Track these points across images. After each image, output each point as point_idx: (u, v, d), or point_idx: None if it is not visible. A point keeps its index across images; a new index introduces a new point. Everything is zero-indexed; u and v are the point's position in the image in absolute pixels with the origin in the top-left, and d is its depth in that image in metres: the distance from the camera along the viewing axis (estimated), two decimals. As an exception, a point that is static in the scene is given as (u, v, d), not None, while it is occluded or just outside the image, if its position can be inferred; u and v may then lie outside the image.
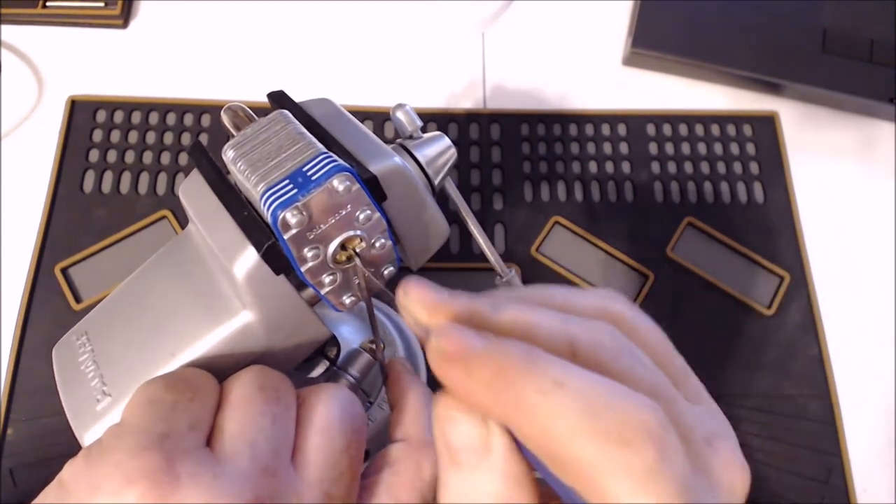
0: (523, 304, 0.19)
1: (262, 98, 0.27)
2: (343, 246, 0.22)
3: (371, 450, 0.24)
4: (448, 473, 0.17)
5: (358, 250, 0.23)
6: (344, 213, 0.22)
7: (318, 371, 0.29)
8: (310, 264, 0.22)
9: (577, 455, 0.15)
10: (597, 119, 0.49)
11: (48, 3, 0.51)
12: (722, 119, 0.50)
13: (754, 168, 0.48)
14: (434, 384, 0.26)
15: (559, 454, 0.15)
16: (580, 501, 0.16)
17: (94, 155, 0.47)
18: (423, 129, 0.29)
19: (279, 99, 0.26)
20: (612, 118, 0.49)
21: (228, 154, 0.23)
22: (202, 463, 0.18)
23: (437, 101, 0.50)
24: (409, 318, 0.19)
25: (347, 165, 0.21)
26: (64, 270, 0.43)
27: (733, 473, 0.17)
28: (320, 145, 0.22)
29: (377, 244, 0.23)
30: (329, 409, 0.21)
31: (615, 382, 0.16)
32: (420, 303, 0.19)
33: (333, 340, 0.29)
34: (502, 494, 0.17)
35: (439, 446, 0.18)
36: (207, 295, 0.24)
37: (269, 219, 0.21)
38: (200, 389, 0.21)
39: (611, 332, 0.18)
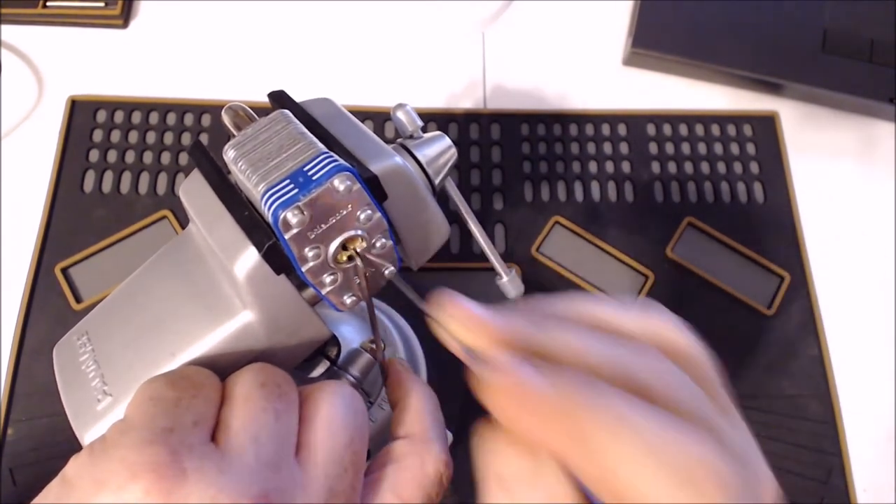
0: (570, 326, 0.18)
1: (262, 98, 0.27)
2: (344, 246, 0.22)
3: (372, 450, 0.24)
4: (498, 499, 0.17)
5: (359, 250, 0.23)
6: (345, 212, 0.21)
7: (318, 371, 0.29)
8: (310, 264, 0.22)
9: (642, 494, 0.15)
10: (597, 119, 0.49)
11: (48, 3, 0.51)
12: (722, 119, 0.50)
13: (754, 168, 0.48)
14: (435, 386, 0.26)
15: (623, 493, 0.15)
16: None
17: (94, 155, 0.47)
18: (424, 129, 0.29)
19: (280, 99, 0.26)
20: (612, 118, 0.49)
21: (229, 154, 0.23)
22: (207, 457, 0.18)
23: (438, 101, 0.50)
24: (444, 336, 0.19)
25: (348, 165, 0.21)
26: (64, 270, 0.43)
27: (769, 491, 0.17)
28: (321, 145, 0.22)
29: (378, 244, 0.23)
30: (332, 405, 0.21)
31: (676, 417, 0.16)
32: (459, 321, 0.18)
33: (334, 340, 0.29)
34: None
35: (487, 474, 0.17)
36: (208, 295, 0.24)
37: (269, 218, 0.21)
38: (203, 386, 0.21)
39: (665, 362, 0.17)
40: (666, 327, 0.19)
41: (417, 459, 0.22)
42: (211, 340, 0.23)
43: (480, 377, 0.17)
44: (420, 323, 0.21)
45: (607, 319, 0.19)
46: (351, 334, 0.34)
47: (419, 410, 0.24)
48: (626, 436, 0.15)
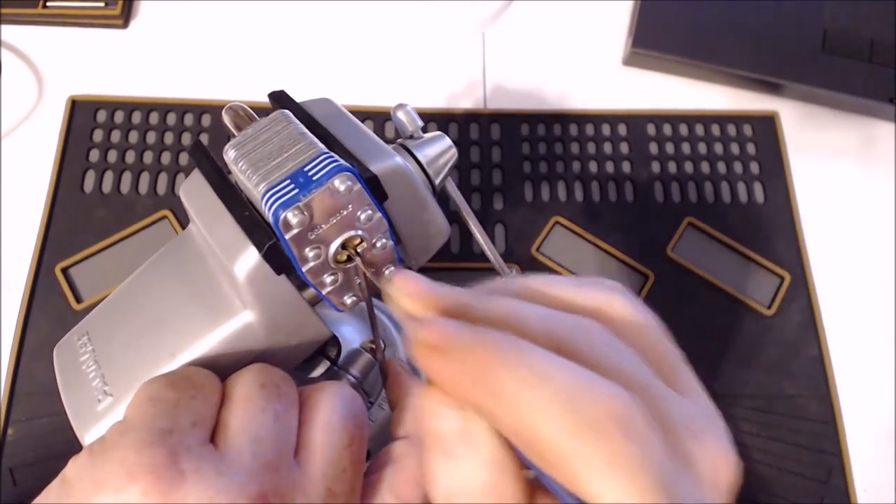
0: (511, 299, 0.19)
1: (262, 98, 0.27)
2: (344, 246, 0.22)
3: (372, 450, 0.24)
4: (435, 462, 0.18)
5: (359, 250, 0.23)
6: (345, 212, 0.22)
7: (318, 371, 0.29)
8: (311, 264, 0.22)
9: (554, 446, 0.15)
10: (597, 119, 0.49)
11: (48, 3, 0.51)
12: (722, 119, 0.50)
13: (754, 168, 0.48)
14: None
15: (538, 445, 0.16)
16: (566, 497, 0.16)
17: (94, 155, 0.47)
18: (424, 129, 0.29)
19: (280, 99, 0.26)
20: (612, 118, 0.49)
21: (229, 154, 0.23)
22: (206, 459, 0.18)
23: (438, 101, 0.50)
24: (397, 311, 0.19)
25: (348, 165, 0.21)
26: (64, 270, 0.43)
27: (718, 465, 0.17)
28: (321, 145, 0.22)
29: (378, 244, 0.23)
30: (331, 406, 0.21)
31: (593, 374, 0.16)
32: (405, 292, 0.19)
33: (334, 340, 0.29)
34: (488, 481, 0.17)
35: (426, 436, 0.18)
36: (208, 295, 0.24)
37: (270, 218, 0.21)
38: (202, 387, 0.21)
39: (597, 328, 0.18)
40: (612, 299, 0.19)
41: (416, 460, 0.22)
42: (211, 340, 0.23)
43: (410, 335, 0.18)
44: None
45: (553, 294, 0.19)
46: (351, 334, 0.34)
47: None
48: (536, 385, 0.15)
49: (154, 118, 0.48)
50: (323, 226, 0.21)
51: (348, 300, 0.24)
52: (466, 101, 0.50)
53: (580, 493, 0.15)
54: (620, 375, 0.17)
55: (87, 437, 0.23)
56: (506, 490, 0.17)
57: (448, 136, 0.29)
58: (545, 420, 0.15)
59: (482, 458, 0.17)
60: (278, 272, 0.22)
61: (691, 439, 0.17)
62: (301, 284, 0.23)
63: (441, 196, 0.29)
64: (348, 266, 0.23)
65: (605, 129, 0.49)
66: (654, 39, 0.50)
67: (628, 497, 0.15)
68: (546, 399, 0.15)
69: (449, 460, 0.17)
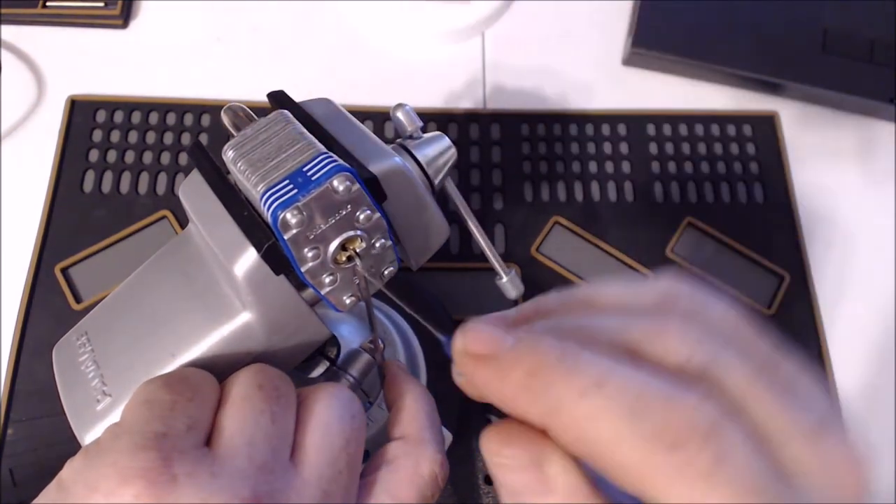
0: (577, 313, 0.17)
1: (262, 98, 0.27)
2: (343, 246, 0.22)
3: (371, 451, 0.24)
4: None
5: (358, 250, 0.23)
6: (344, 213, 0.21)
7: (317, 371, 0.29)
8: (310, 264, 0.22)
9: (625, 461, 0.14)
10: (597, 119, 0.49)
11: (48, 3, 0.51)
12: (722, 119, 0.50)
13: (754, 168, 0.48)
14: (434, 387, 0.26)
15: (607, 461, 0.15)
16: None
17: (94, 155, 0.47)
18: (424, 129, 0.29)
19: (279, 99, 0.26)
20: (612, 118, 0.49)
21: (228, 154, 0.23)
22: (199, 462, 0.18)
23: (437, 101, 0.50)
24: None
25: (347, 165, 0.21)
26: (64, 270, 0.43)
27: (839, 467, 0.15)
28: (320, 145, 0.22)
29: (377, 244, 0.23)
30: (328, 408, 0.21)
31: (665, 379, 0.15)
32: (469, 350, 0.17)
33: (333, 340, 0.29)
34: None
35: (500, 486, 0.17)
36: (207, 295, 0.24)
37: (269, 219, 0.21)
38: (199, 389, 0.21)
39: (676, 323, 0.16)
40: (680, 294, 0.17)
41: (412, 460, 0.22)
42: (210, 341, 0.23)
43: (455, 350, 0.17)
44: (420, 323, 0.21)
45: (616, 300, 0.18)
46: (350, 334, 0.34)
47: (414, 411, 0.24)
48: (598, 398, 0.14)
49: (154, 118, 0.48)
50: (322, 226, 0.21)
51: (347, 300, 0.24)
52: (466, 101, 0.50)
53: None
54: (710, 377, 0.15)
55: (87, 437, 0.23)
56: None
57: (448, 136, 0.29)
58: (608, 430, 0.14)
59: (559, 497, 0.16)
60: (277, 272, 0.22)
61: (802, 443, 0.15)
62: (300, 285, 0.23)
63: (441, 196, 0.29)
64: (347, 266, 0.23)
65: (605, 129, 0.49)
66: (654, 39, 0.50)
67: None
68: (606, 405, 0.14)
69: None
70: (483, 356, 0.16)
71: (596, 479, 0.16)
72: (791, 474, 0.15)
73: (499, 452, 0.17)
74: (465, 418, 0.37)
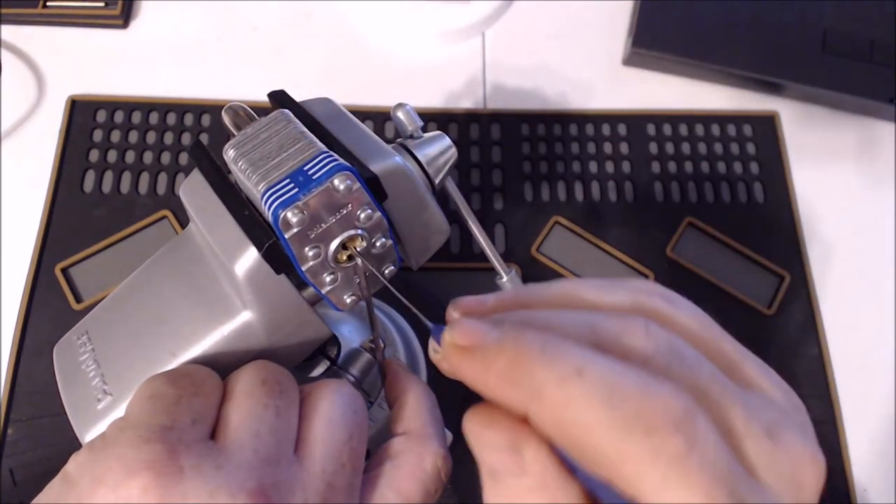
0: (547, 304, 0.18)
1: (262, 98, 0.27)
2: (344, 245, 0.22)
3: (372, 450, 0.24)
4: (490, 491, 0.17)
5: (359, 249, 0.23)
6: (345, 212, 0.22)
7: (318, 370, 0.29)
8: (311, 263, 0.22)
9: (600, 445, 0.15)
10: (597, 119, 0.49)
11: (48, 3, 0.51)
12: (722, 119, 0.50)
13: (754, 168, 0.48)
14: (435, 385, 0.26)
15: (583, 445, 0.15)
16: (615, 498, 0.15)
17: (94, 155, 0.47)
18: (424, 129, 0.29)
19: (280, 98, 0.26)
20: (612, 118, 0.49)
21: (229, 153, 0.23)
22: (205, 454, 0.18)
23: (437, 101, 0.50)
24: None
25: (348, 165, 0.21)
26: (64, 270, 0.43)
27: (798, 464, 0.16)
28: (321, 145, 0.22)
29: (378, 243, 0.23)
30: (332, 402, 0.21)
31: (639, 371, 0.15)
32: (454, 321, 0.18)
33: (334, 340, 0.29)
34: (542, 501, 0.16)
35: (480, 464, 0.18)
36: (208, 294, 0.24)
37: (270, 218, 0.21)
38: (203, 384, 0.21)
39: (642, 326, 0.17)
40: (651, 296, 0.18)
41: (415, 455, 0.22)
42: (211, 340, 0.23)
43: (443, 344, 0.17)
44: (419, 323, 0.21)
45: (592, 298, 0.19)
46: (351, 334, 0.34)
47: (416, 407, 0.24)
48: (577, 385, 0.15)
49: (154, 118, 0.48)
50: (322, 225, 0.21)
51: (348, 299, 0.24)
52: (466, 101, 0.50)
53: (633, 495, 0.14)
54: (675, 373, 0.16)
55: (87, 436, 0.23)
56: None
57: (448, 135, 0.29)
58: (586, 415, 0.15)
59: (537, 486, 0.16)
60: (278, 271, 0.22)
61: (763, 439, 0.16)
62: (301, 284, 0.23)
63: (441, 196, 0.29)
64: (348, 265, 0.23)
65: (605, 129, 0.49)
66: (654, 39, 0.50)
67: (685, 497, 0.14)
68: (585, 392, 0.15)
69: (502, 488, 0.17)
70: (469, 347, 0.17)
71: (571, 467, 0.16)
72: (751, 468, 0.15)
73: (480, 434, 0.17)
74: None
